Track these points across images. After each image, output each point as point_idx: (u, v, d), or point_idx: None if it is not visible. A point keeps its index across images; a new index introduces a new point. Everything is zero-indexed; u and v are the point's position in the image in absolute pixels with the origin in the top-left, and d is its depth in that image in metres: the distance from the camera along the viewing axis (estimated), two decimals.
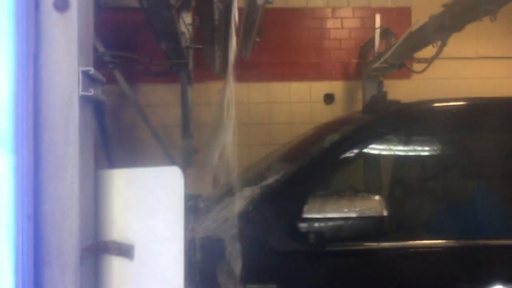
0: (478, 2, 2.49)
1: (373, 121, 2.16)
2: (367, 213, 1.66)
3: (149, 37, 2.98)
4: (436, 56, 3.28)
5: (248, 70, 4.14)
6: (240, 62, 3.29)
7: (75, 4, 1.01)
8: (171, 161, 2.74)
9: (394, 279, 1.76)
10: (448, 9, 2.78)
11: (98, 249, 1.09)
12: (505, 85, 4.20)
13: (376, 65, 3.77)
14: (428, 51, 3.35)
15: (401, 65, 3.82)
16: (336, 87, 4.52)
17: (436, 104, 2.10)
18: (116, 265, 1.09)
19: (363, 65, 4.38)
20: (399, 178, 2.40)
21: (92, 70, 1.03)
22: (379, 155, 2.31)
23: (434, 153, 2.28)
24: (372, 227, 1.67)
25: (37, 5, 1.00)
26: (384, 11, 4.26)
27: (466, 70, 4.47)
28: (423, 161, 2.27)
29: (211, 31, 2.62)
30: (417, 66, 3.77)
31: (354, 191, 1.83)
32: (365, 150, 1.98)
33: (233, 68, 1.67)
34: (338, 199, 1.70)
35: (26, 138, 0.94)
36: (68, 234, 1.00)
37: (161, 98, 4.20)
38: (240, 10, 2.25)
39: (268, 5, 2.30)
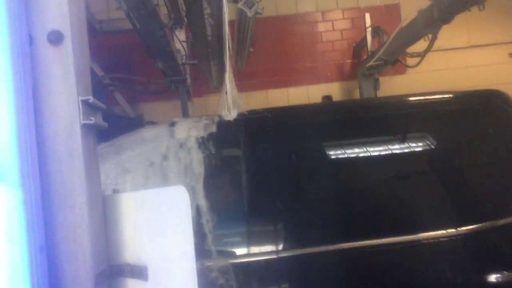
0: None
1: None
2: None
3: (146, 57, 3.01)
4: (428, 50, 3.29)
5: (245, 80, 4.17)
6: (237, 73, 3.32)
7: (69, 37, 1.02)
8: None
9: None
10: (436, 3, 2.79)
11: (112, 273, 1.09)
12: (498, 70, 4.20)
13: (371, 63, 3.79)
14: (420, 45, 3.37)
15: (395, 61, 3.83)
16: (333, 88, 4.54)
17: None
18: (131, 287, 1.10)
19: (357, 65, 4.40)
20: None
21: (91, 99, 1.03)
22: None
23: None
24: None
25: (31, 40, 1.01)
26: (373, 10, 4.30)
27: (459, 60, 4.48)
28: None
29: (205, 46, 2.65)
30: (411, 61, 3.79)
31: None
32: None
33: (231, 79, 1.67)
34: None
35: (32, 171, 0.95)
36: (81, 261, 1.00)
37: (162, 115, 4.24)
38: (232, 23, 2.27)
39: (259, 15, 2.32)
